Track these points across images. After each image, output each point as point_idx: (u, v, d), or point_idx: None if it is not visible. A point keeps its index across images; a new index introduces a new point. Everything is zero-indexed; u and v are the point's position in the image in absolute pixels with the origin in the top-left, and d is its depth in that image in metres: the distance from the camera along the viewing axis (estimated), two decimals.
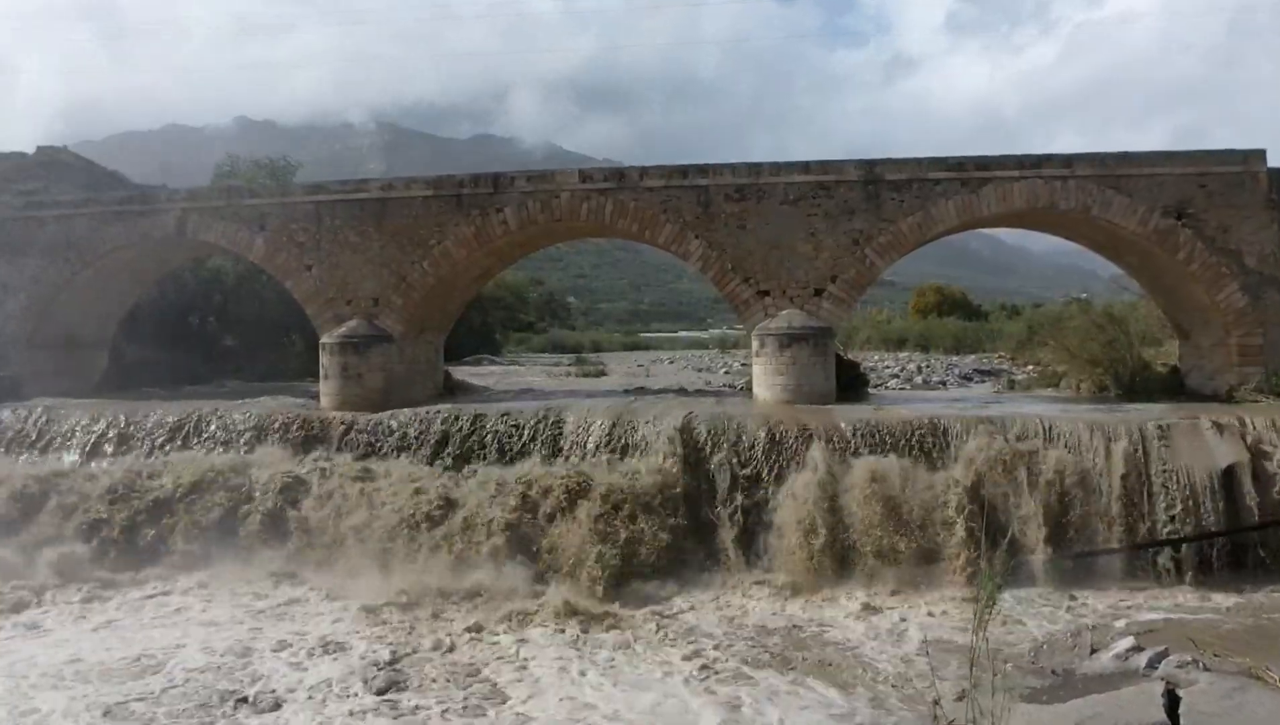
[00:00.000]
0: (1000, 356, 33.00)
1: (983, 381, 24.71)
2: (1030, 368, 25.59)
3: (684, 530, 12.48)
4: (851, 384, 17.60)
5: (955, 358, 34.65)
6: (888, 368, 27.66)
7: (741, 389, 20.19)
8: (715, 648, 10.04)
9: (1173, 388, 17.53)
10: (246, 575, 12.49)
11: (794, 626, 10.74)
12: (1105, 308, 19.87)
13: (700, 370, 30.49)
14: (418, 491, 13.09)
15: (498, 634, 10.54)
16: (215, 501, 13.45)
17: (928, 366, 28.54)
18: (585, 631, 10.62)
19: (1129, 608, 11.08)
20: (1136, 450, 12.68)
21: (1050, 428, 13.21)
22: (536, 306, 67.80)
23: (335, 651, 10.03)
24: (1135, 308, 20.43)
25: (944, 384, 23.58)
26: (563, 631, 10.61)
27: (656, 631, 10.58)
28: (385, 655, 9.83)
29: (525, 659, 9.78)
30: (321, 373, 16.98)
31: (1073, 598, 11.38)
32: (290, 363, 24.96)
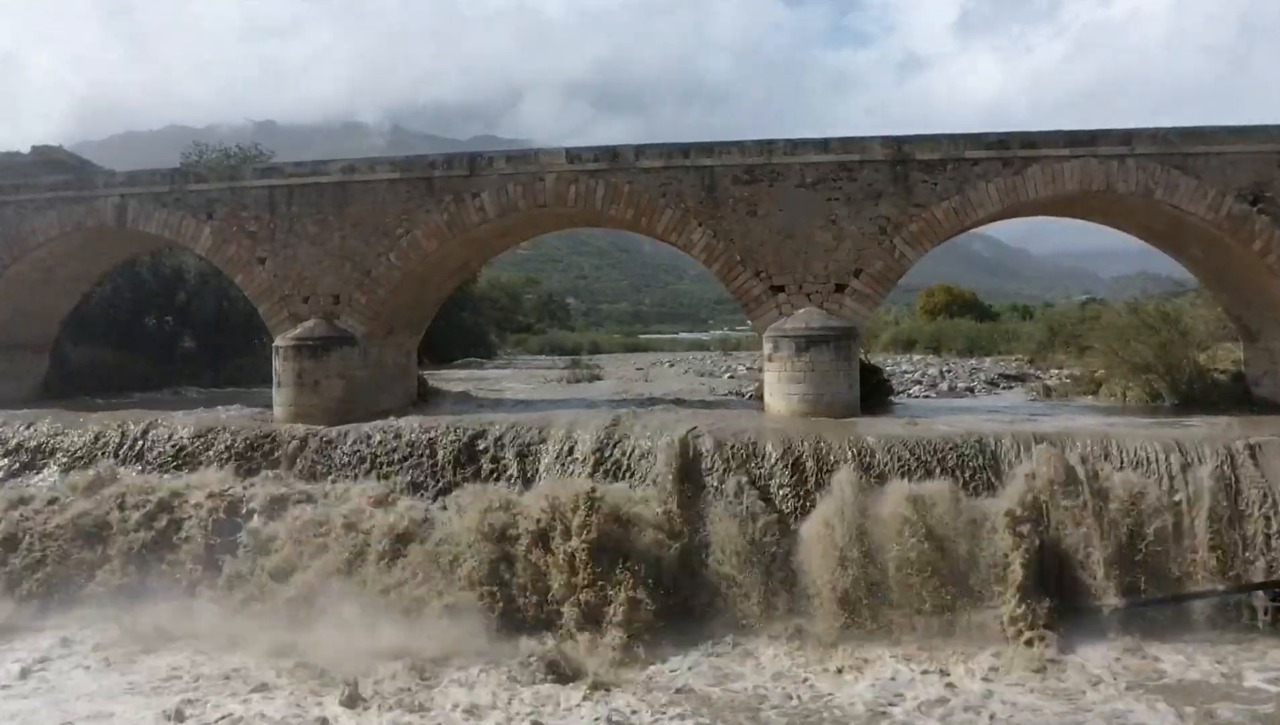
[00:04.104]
0: (1018, 359, 30.99)
1: (1010, 387, 22.66)
2: (1056, 372, 23.62)
3: (679, 575, 10.42)
4: (874, 392, 15.65)
5: (973, 360, 32.56)
6: (907, 372, 25.54)
7: (750, 397, 18.15)
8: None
9: (1238, 396, 15.62)
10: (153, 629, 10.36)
11: (808, 697, 8.74)
12: (1158, 305, 17.83)
13: (703, 374, 28.41)
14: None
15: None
16: (125, 536, 11.36)
17: (949, 371, 26.43)
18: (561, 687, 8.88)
19: (1229, 672, 9.10)
20: (1225, 473, 10.70)
21: (1115, 445, 11.23)
22: (534, 307, 65.65)
23: None
24: (1188, 306, 18.43)
25: (971, 391, 21.51)
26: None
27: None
28: None
29: None
30: (274, 380, 15.01)
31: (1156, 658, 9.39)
32: (261, 367, 22.94)
